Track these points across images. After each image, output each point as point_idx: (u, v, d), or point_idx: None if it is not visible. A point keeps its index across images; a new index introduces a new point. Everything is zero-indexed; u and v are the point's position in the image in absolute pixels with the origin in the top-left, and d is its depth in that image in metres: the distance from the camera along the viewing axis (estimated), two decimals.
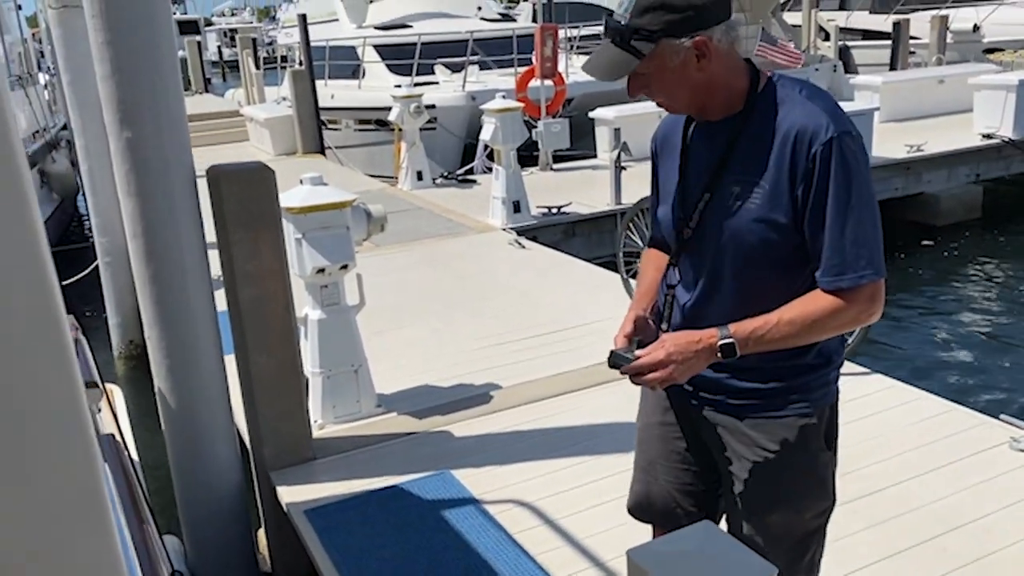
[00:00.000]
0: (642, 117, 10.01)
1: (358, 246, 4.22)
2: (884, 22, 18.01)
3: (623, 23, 1.65)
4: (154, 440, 4.35)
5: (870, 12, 19.34)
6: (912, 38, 16.32)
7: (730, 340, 1.63)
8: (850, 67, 17.29)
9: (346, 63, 12.82)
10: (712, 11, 1.64)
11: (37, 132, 11.55)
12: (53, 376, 0.82)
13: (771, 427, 1.77)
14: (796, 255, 1.67)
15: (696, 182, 1.78)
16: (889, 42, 16.10)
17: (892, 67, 15.57)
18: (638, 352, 1.69)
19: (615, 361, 1.73)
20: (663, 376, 1.64)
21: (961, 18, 17.16)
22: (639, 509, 2.09)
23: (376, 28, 13.23)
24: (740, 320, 1.65)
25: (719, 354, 1.63)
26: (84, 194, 7.56)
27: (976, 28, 17.06)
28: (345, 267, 3.97)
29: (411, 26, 12.86)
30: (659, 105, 1.78)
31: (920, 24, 16.78)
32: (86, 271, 7.54)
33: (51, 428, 0.83)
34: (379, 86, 11.93)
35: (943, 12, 16.89)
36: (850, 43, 18.69)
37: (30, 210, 0.79)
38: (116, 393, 3.68)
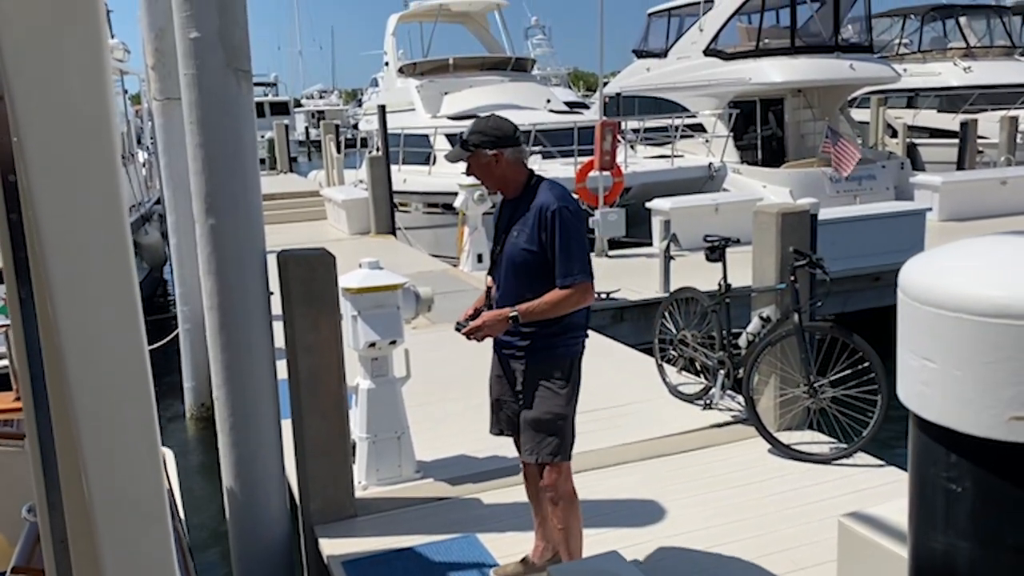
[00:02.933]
0: (696, 209, 10.40)
1: (408, 324, 4.67)
2: (952, 121, 18.06)
3: (463, 136, 3.28)
4: (212, 498, 4.77)
5: (938, 111, 19.41)
6: (980, 137, 16.36)
7: (515, 314, 3.17)
8: (917, 165, 17.32)
9: (419, 150, 13.59)
10: (506, 141, 3.24)
11: (133, 207, 12.52)
12: (139, 432, 1.10)
13: (539, 365, 3.26)
14: (540, 269, 3.18)
15: (501, 230, 3.34)
16: (957, 141, 16.18)
17: (959, 166, 15.62)
18: (471, 323, 3.26)
19: (458, 328, 3.30)
20: (483, 334, 3.24)
21: None
22: (496, 427, 3.52)
23: (449, 118, 14.03)
24: (519, 303, 3.18)
25: (511, 322, 3.17)
26: (171, 265, 8.24)
27: None
28: (394, 343, 4.42)
29: None
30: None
31: (989, 124, 16.82)
32: (168, 338, 8.15)
33: (134, 471, 1.11)
34: (448, 172, 12.59)
35: (1013, 112, 16.93)
36: (917, 141, 18.78)
37: (135, 307, 1.11)
38: (168, 455, 4.16)
